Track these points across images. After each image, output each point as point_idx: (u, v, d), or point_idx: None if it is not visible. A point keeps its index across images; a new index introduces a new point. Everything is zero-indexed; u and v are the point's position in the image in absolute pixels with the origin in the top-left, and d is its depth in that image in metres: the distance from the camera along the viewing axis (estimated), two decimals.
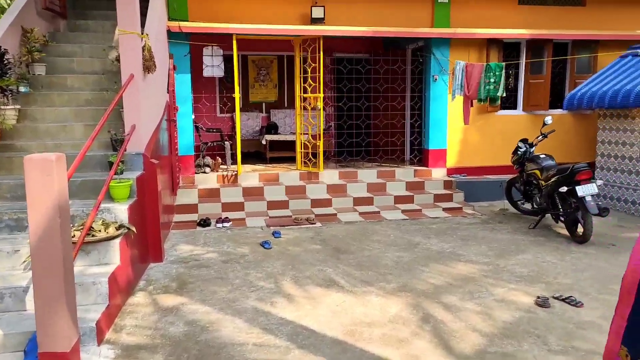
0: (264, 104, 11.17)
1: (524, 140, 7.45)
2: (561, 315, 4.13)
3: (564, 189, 6.05)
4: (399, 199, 8.28)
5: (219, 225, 7.08)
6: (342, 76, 9.57)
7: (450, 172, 9.22)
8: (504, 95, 8.10)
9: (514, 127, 9.35)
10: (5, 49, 5.60)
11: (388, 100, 9.36)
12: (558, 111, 9.43)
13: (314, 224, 7.22)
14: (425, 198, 8.39)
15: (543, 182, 6.62)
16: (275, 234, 6.64)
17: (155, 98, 6.14)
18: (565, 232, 6.55)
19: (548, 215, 6.93)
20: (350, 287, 4.82)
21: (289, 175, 8.59)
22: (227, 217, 7.23)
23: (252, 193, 8.08)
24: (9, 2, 12.33)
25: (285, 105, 11.18)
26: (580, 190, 5.86)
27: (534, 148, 7.26)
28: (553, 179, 6.30)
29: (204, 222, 7.10)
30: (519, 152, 7.34)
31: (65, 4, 7.87)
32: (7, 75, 5.50)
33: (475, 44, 8.93)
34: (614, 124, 8.16)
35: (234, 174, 8.36)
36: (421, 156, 9.36)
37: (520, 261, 5.55)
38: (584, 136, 9.54)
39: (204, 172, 8.43)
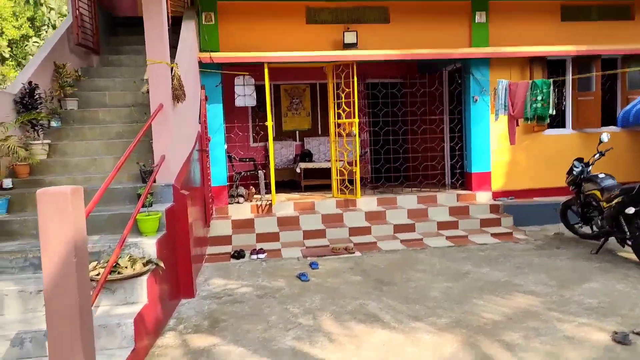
0: (297, 133, 10.97)
1: (580, 160, 6.88)
2: None
3: (631, 210, 5.45)
4: (442, 225, 7.78)
5: (254, 256, 6.76)
6: (377, 101, 9.28)
7: (497, 195, 8.67)
8: (554, 113, 7.57)
9: (563, 146, 8.77)
10: (36, 84, 5.57)
11: (426, 124, 8.97)
12: (610, 128, 8.80)
13: (353, 253, 6.81)
14: (471, 223, 7.86)
15: (605, 204, 6.03)
16: (313, 265, 6.26)
17: (186, 128, 5.97)
18: (633, 256, 5.89)
19: (612, 239, 6.28)
20: (396, 323, 4.36)
21: (325, 203, 8.25)
22: (261, 249, 6.90)
23: (287, 223, 7.76)
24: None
25: (319, 133, 10.94)
26: None
27: (590, 167, 6.69)
28: (617, 200, 5.71)
29: (238, 254, 6.79)
30: (574, 172, 6.77)
31: (98, 40, 7.95)
32: (38, 110, 5.44)
33: (516, 62, 8.50)
34: None
35: (268, 203, 8.09)
36: (464, 180, 8.86)
37: (587, 291, 4.95)
38: (639, 154, 8.84)
39: (238, 203, 8.19)
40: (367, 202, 8.32)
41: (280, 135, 10.85)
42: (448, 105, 9.20)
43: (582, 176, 6.64)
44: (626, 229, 5.71)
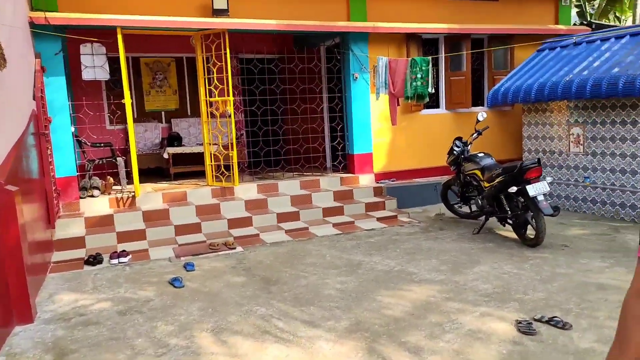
0: (163, 113, 9.74)
1: (460, 139, 6.88)
2: (554, 344, 3.40)
3: (513, 189, 5.48)
4: (327, 212, 7.36)
5: (114, 261, 5.66)
6: (252, 77, 8.49)
7: (379, 177, 8.50)
8: (433, 91, 7.49)
9: (438, 126, 8.88)
10: None
11: (306, 103, 8.43)
12: (479, 108, 9.12)
13: (234, 248, 6.06)
14: (356, 208, 7.56)
15: (486, 183, 6.05)
16: (188, 267, 5.39)
17: (11, 105, 4.64)
18: (513, 235, 6.01)
19: (491, 219, 6.38)
20: (290, 333, 3.75)
21: (199, 192, 7.32)
22: (124, 251, 5.81)
23: (154, 217, 6.71)
24: None
25: (189, 113, 9.84)
26: (532, 189, 5.31)
27: (469, 147, 6.71)
28: (498, 179, 5.73)
29: (94, 259, 5.63)
30: (454, 152, 6.75)
31: None
32: None
33: (394, 39, 8.33)
34: (539, 118, 7.92)
35: (130, 195, 6.92)
36: (346, 162, 8.54)
37: (479, 275, 4.84)
38: (508, 133, 9.31)
39: (92, 196, 6.90)
40: (247, 190, 7.58)
41: (142, 116, 9.54)
42: (327, 84, 8.75)
43: (462, 156, 6.64)
44: (507, 208, 5.77)
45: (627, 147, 6.67)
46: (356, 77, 8.10)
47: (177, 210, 6.84)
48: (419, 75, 7.22)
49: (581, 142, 7.32)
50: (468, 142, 6.74)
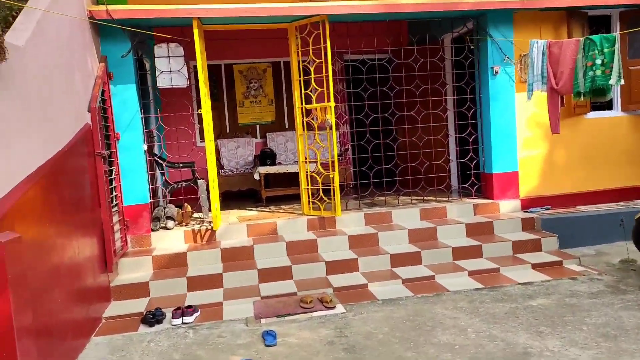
0: (257, 127, 8.49)
1: None
2: None
3: None
4: (459, 253, 5.42)
5: (177, 321, 4.28)
6: (360, 77, 6.81)
7: (526, 204, 6.35)
8: (622, 82, 5.16)
9: (611, 135, 6.50)
10: None
11: (428, 107, 6.55)
12: None
13: (333, 307, 4.39)
14: (500, 248, 5.51)
15: None
16: (267, 338, 3.82)
17: (29, 115, 3.45)
18: None
19: None
20: None
21: (292, 224, 5.81)
22: (190, 307, 4.43)
23: (236, 257, 5.31)
24: None
25: (286, 126, 8.49)
26: None
27: None
28: None
29: (153, 317, 4.31)
30: None
31: None
32: None
33: (549, 18, 6.18)
34: None
35: (210, 228, 5.61)
36: (481, 184, 6.51)
37: None
38: None
39: (165, 228, 5.70)
40: (351, 221, 5.91)
41: (236, 130, 8.37)
42: (454, 82, 6.80)
43: None
44: None
45: None
46: (496, 72, 6.09)
47: (264, 248, 5.37)
48: (597, 61, 4.98)
49: None
50: None
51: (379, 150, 6.61)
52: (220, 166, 7.80)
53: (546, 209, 6.30)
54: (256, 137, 8.42)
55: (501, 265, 5.20)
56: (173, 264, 5.19)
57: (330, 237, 5.55)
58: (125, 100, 5.40)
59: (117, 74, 5.34)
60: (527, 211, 6.25)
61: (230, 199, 7.61)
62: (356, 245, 5.55)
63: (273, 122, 8.47)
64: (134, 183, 5.47)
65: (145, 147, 5.63)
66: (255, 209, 6.79)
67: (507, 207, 6.28)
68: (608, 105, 6.63)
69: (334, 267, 5.15)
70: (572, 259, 5.32)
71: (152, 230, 5.60)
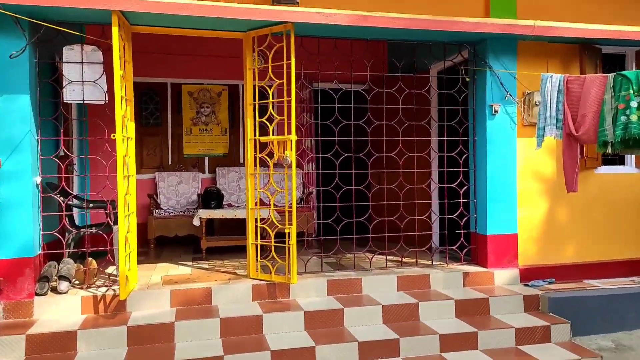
0: (207, 160, 7.15)
1: None
2: None
3: None
4: (449, 342, 4.13)
5: None
6: (329, 113, 5.54)
7: (525, 274, 5.17)
8: None
9: (625, 194, 5.46)
10: None
11: (412, 149, 5.33)
12: None
13: None
14: (499, 337, 4.25)
15: None
16: None
17: None
18: None
19: None
20: None
21: (233, 290, 4.43)
22: None
23: (148, 338, 3.86)
24: None
25: (241, 161, 7.18)
26: None
27: None
28: None
29: None
30: None
31: None
32: None
33: (558, 51, 5.19)
34: None
35: (117, 293, 4.16)
36: (470, 247, 5.30)
37: None
38: None
39: (58, 292, 4.20)
40: (310, 289, 4.58)
41: (180, 163, 7.00)
42: (442, 120, 5.65)
43: None
44: None
45: None
46: (496, 111, 4.99)
47: (189, 327, 3.94)
48: (633, 104, 3.85)
49: None
50: None
51: (350, 199, 5.33)
52: (156, 205, 6.38)
53: (550, 282, 5.13)
54: (204, 172, 7.05)
55: None
56: (56, 347, 3.70)
57: (282, 313, 4.17)
58: (9, 114, 3.98)
59: (5, 78, 3.95)
60: (527, 285, 5.06)
61: (164, 247, 6.17)
62: (315, 324, 4.19)
63: (226, 155, 7.15)
64: (12, 227, 4.00)
65: (38, 179, 4.18)
66: (190, 263, 5.37)
67: (504, 277, 5.08)
68: (620, 160, 5.62)
69: (283, 358, 3.76)
70: (592, 357, 4.11)
71: (37, 294, 4.10)
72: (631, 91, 3.88)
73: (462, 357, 4.00)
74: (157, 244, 5.99)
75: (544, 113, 4.42)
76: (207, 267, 5.16)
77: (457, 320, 4.44)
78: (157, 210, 6.17)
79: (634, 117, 3.85)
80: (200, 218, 5.56)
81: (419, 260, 5.27)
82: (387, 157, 5.29)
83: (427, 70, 5.95)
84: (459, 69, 5.26)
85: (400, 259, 5.30)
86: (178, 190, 6.65)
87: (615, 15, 5.24)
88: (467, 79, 5.21)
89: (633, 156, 5.53)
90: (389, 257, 5.29)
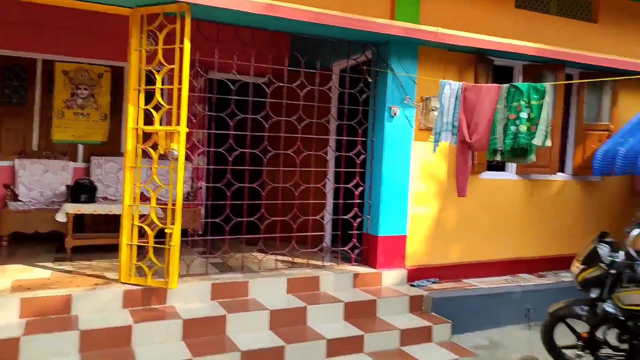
0: (81, 147, 6.39)
1: (605, 237, 3.70)
2: None
3: None
4: (335, 346, 4.00)
5: None
6: (224, 105, 5.15)
7: (412, 275, 5.24)
8: (548, 144, 4.20)
9: (506, 199, 5.76)
10: None
11: (311, 148, 5.12)
12: (561, 176, 6.08)
13: None
14: (385, 339, 4.23)
15: None
16: None
17: None
18: None
19: None
20: None
21: (98, 297, 3.90)
22: None
23: None
24: None
25: (123, 150, 6.50)
26: None
27: (623, 252, 3.49)
28: None
29: None
30: (602, 264, 3.54)
31: None
32: None
33: (456, 59, 5.30)
34: None
35: None
36: (362, 248, 5.24)
37: None
38: (590, 214, 6.22)
39: None
40: (191, 294, 4.20)
41: (48, 149, 6.16)
42: (341, 119, 5.54)
43: (618, 273, 3.43)
44: None
45: None
46: (395, 113, 4.97)
47: (39, 342, 3.37)
48: (522, 115, 4.00)
49: None
50: (625, 245, 3.53)
51: (242, 197, 5.00)
52: (14, 197, 5.53)
53: (433, 282, 5.24)
54: (76, 161, 6.28)
55: None
56: None
57: (156, 322, 3.75)
58: None
59: None
60: (413, 285, 5.12)
61: (21, 245, 5.36)
62: (193, 333, 3.83)
63: (104, 143, 6.43)
64: None
65: None
66: (50, 265, 4.69)
67: (392, 278, 5.09)
68: (501, 167, 5.91)
69: None
70: (468, 356, 4.23)
71: None
72: (522, 102, 4.03)
73: None
74: (12, 242, 5.18)
75: (440, 119, 4.46)
76: (70, 269, 4.53)
77: (345, 323, 4.34)
78: (14, 203, 5.35)
79: (523, 128, 4.00)
80: (66, 213, 4.88)
81: (310, 262, 5.10)
82: (284, 155, 5.04)
83: (330, 68, 5.81)
84: (361, 69, 5.18)
85: (291, 260, 5.08)
86: (43, 180, 5.83)
87: (508, 30, 5.45)
88: (369, 80, 5.14)
89: (515, 164, 5.85)
90: (280, 258, 5.06)
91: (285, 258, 5.10)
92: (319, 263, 5.12)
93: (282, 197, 5.13)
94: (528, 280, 5.52)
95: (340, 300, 4.48)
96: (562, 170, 6.13)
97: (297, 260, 5.11)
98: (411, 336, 4.33)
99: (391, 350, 4.20)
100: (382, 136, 5.01)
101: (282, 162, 5.05)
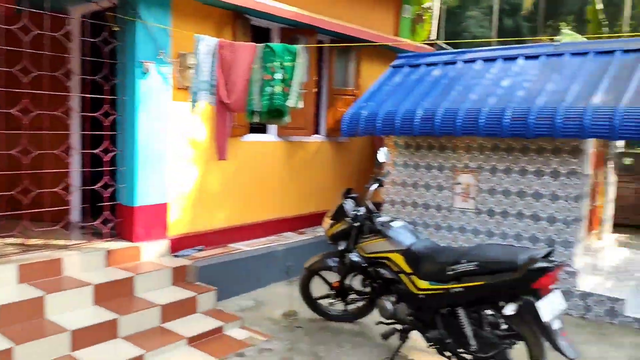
0: None
1: (350, 193, 3.99)
2: None
3: (510, 307, 2.83)
4: (82, 338, 3.50)
5: None
6: None
7: (176, 245, 4.95)
8: (301, 105, 4.24)
9: (268, 161, 5.89)
10: None
11: (43, 106, 4.21)
12: (316, 138, 6.52)
13: None
14: (144, 319, 3.88)
15: (421, 283, 3.26)
16: None
17: None
18: None
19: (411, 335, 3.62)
20: None
21: None
22: None
23: None
24: None
25: None
26: (546, 309, 2.76)
27: (373, 209, 3.83)
28: (467, 282, 3.00)
29: None
30: (347, 218, 3.82)
31: None
32: None
33: (213, 16, 5.02)
34: (409, 157, 5.70)
35: None
36: (117, 221, 4.69)
37: None
38: (339, 172, 6.89)
39: None
40: None
41: None
42: (86, 73, 4.75)
43: (361, 225, 3.76)
44: (470, 338, 3.06)
45: (542, 206, 4.87)
46: (147, 69, 4.45)
47: None
48: (277, 77, 3.97)
49: (472, 195, 5.32)
50: (366, 200, 3.87)
51: None
52: None
53: (199, 250, 5.07)
54: None
55: (147, 347, 3.58)
56: None
57: None
58: None
59: None
60: (177, 255, 4.84)
61: None
62: None
63: None
64: None
65: None
66: None
67: (153, 251, 4.71)
68: (263, 129, 5.99)
69: None
70: (233, 320, 4.20)
71: None
72: (276, 63, 4.01)
73: (99, 351, 3.45)
74: None
75: (197, 77, 4.15)
76: None
77: (96, 308, 3.84)
78: None
79: (278, 89, 4.00)
80: None
81: (53, 242, 4.33)
82: (6, 115, 4.05)
83: (67, 11, 4.88)
84: (107, 17, 4.46)
85: (24, 243, 4.23)
86: None
87: None
88: (116, 29, 4.47)
89: (275, 126, 5.97)
90: (9, 241, 4.15)
91: (17, 243, 4.22)
92: (63, 242, 4.39)
93: (9, 166, 4.17)
94: (290, 239, 5.80)
95: (88, 283, 3.92)
96: (317, 132, 6.55)
97: (33, 241, 4.28)
98: (174, 310, 4.08)
99: (151, 329, 3.88)
100: (134, 95, 4.47)
101: (4, 124, 4.06)
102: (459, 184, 5.37)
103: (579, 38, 10.16)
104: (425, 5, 12.32)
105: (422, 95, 5.45)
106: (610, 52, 4.95)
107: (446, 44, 8.87)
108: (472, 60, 5.83)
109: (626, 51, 4.88)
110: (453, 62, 5.96)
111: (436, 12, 14.05)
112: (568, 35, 10.32)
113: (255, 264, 5.12)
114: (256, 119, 4.14)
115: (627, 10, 12.96)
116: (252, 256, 5.13)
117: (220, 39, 4.24)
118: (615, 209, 6.90)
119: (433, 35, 9.05)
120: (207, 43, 4.07)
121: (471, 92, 5.14)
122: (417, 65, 6.20)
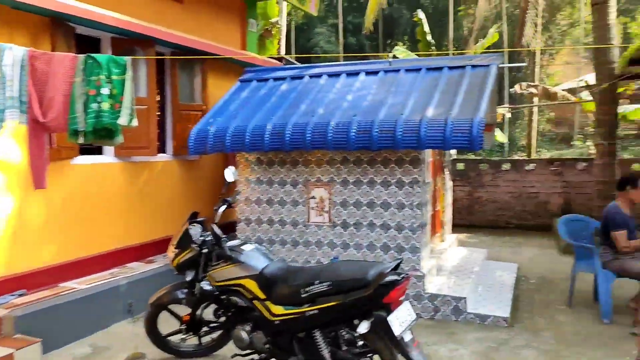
0: None
1: (195, 217, 3.65)
2: None
3: (363, 325, 2.75)
4: None
5: None
6: None
7: None
8: (134, 124, 3.69)
9: (105, 184, 5.25)
10: None
11: None
12: (162, 157, 6.05)
13: None
14: None
15: (276, 308, 3.06)
16: None
17: None
18: None
19: None
20: None
21: None
22: None
23: None
24: None
25: None
26: (397, 322, 2.74)
27: (220, 233, 3.53)
28: (321, 304, 2.86)
29: None
30: (193, 244, 3.48)
31: None
32: None
33: (26, 23, 4.32)
34: (262, 173, 5.55)
35: None
36: None
37: None
38: (191, 193, 6.50)
39: None
40: None
41: None
42: None
43: (209, 251, 3.44)
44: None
45: (390, 215, 5.06)
46: None
47: None
48: (104, 92, 3.44)
49: (326, 209, 5.34)
50: (213, 224, 3.57)
51: None
52: None
53: (19, 295, 4.28)
54: None
55: None
56: None
57: None
58: None
59: None
60: None
61: None
62: None
63: None
64: None
65: None
66: None
67: None
68: (99, 149, 5.35)
69: None
70: None
71: None
72: (102, 77, 3.51)
73: None
74: None
75: (3, 93, 3.46)
76: None
77: None
78: None
79: (105, 105, 3.50)
80: None
81: None
82: None
83: None
84: None
85: None
86: None
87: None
88: None
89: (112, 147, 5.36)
90: None
91: None
92: None
93: None
94: (135, 269, 5.22)
95: None
96: (163, 151, 6.07)
97: None
98: None
99: None
100: None
101: None
102: (313, 198, 5.36)
103: (412, 55, 11.12)
104: (273, 20, 12.48)
105: (272, 110, 5.34)
106: (439, 69, 5.38)
107: (295, 58, 8.97)
108: (318, 75, 5.91)
109: (451, 67, 5.34)
110: (300, 77, 5.97)
111: (284, 28, 14.36)
112: (401, 53, 11.22)
113: (92, 304, 4.48)
114: (81, 140, 3.59)
115: (451, 33, 14.59)
116: (88, 295, 4.48)
117: (31, 48, 3.61)
118: (453, 211, 7.56)
119: (283, 50, 9.12)
120: (13, 53, 3.43)
121: (319, 107, 5.17)
122: (266, 80, 6.11)
